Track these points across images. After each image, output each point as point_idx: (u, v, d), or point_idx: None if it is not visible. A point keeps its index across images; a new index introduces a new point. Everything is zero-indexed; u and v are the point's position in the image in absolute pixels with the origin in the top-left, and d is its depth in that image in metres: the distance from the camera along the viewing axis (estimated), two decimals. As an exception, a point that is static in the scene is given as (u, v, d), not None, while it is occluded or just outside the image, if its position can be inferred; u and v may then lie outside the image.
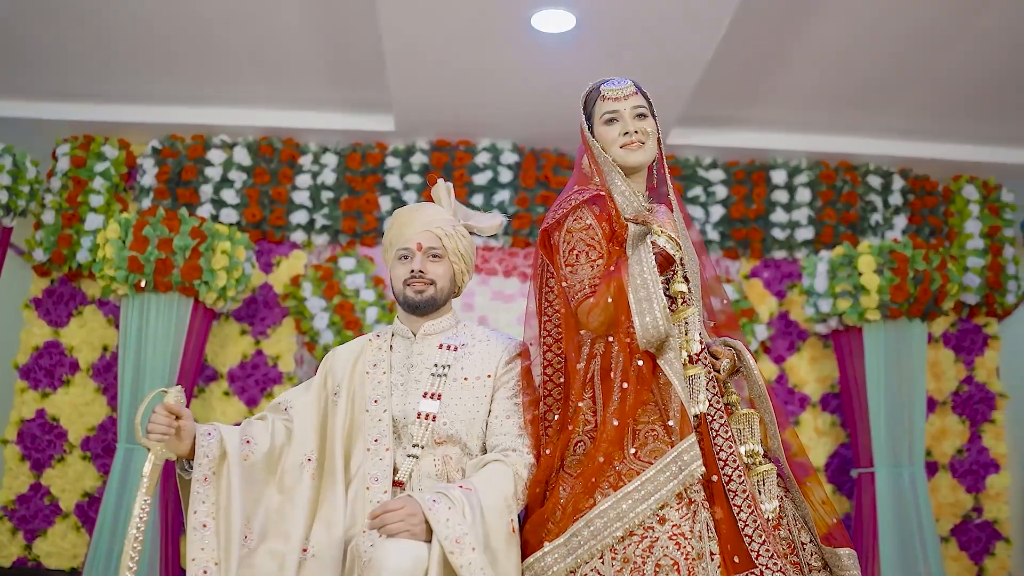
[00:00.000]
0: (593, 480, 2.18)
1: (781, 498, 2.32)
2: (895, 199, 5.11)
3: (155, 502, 4.10)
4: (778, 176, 5.11)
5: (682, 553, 2.09)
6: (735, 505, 2.22)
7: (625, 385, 2.23)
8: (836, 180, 5.10)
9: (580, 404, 2.32)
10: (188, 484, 2.32)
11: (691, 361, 2.32)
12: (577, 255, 2.34)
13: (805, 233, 5.04)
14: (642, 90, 2.56)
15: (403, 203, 4.92)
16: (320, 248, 4.95)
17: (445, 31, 3.98)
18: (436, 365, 2.46)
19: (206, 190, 4.80)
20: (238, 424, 2.45)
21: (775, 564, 2.15)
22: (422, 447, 2.37)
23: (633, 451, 2.21)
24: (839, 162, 5.14)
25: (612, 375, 2.29)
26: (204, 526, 2.18)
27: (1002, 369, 5.09)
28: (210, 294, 4.30)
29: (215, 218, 4.76)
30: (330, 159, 4.94)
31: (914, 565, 4.30)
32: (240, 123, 4.87)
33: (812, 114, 4.93)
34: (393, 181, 4.94)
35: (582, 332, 2.38)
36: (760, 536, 2.18)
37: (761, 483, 2.30)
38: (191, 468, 2.31)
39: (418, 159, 4.97)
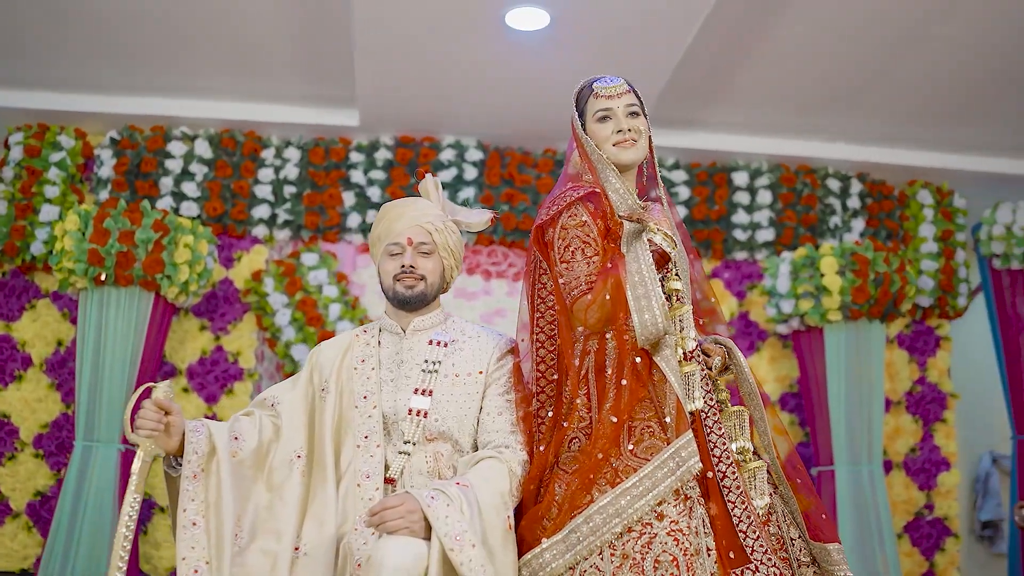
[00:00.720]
0: (591, 476, 2.18)
1: (770, 494, 2.35)
2: (853, 202, 5.20)
3: (113, 500, 4.02)
4: (740, 178, 5.17)
5: (680, 549, 2.10)
6: (729, 501, 2.24)
7: (624, 382, 2.23)
8: (796, 183, 5.17)
9: (576, 401, 2.32)
10: (175, 481, 2.27)
11: (686, 358, 2.33)
12: (573, 252, 2.34)
13: (766, 234, 5.10)
14: (634, 89, 2.58)
15: (367, 199, 4.88)
16: (282, 243, 4.88)
17: (419, 26, 3.95)
18: (426, 361, 2.44)
19: (166, 183, 4.70)
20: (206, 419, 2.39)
21: (769, 559, 2.18)
22: (413, 444, 2.35)
23: (630, 448, 2.21)
24: (799, 165, 5.22)
25: (607, 372, 2.30)
26: (194, 524, 2.14)
27: (952, 370, 5.23)
28: (172, 288, 4.21)
29: (175, 211, 4.66)
30: (293, 153, 4.87)
31: (872, 561, 4.39)
32: (201, 115, 4.77)
33: (773, 117, 5.00)
34: (357, 177, 4.89)
35: (576, 329, 2.38)
36: (754, 532, 2.21)
37: (751, 479, 2.33)
38: (178, 465, 2.26)
39: (382, 155, 4.92)
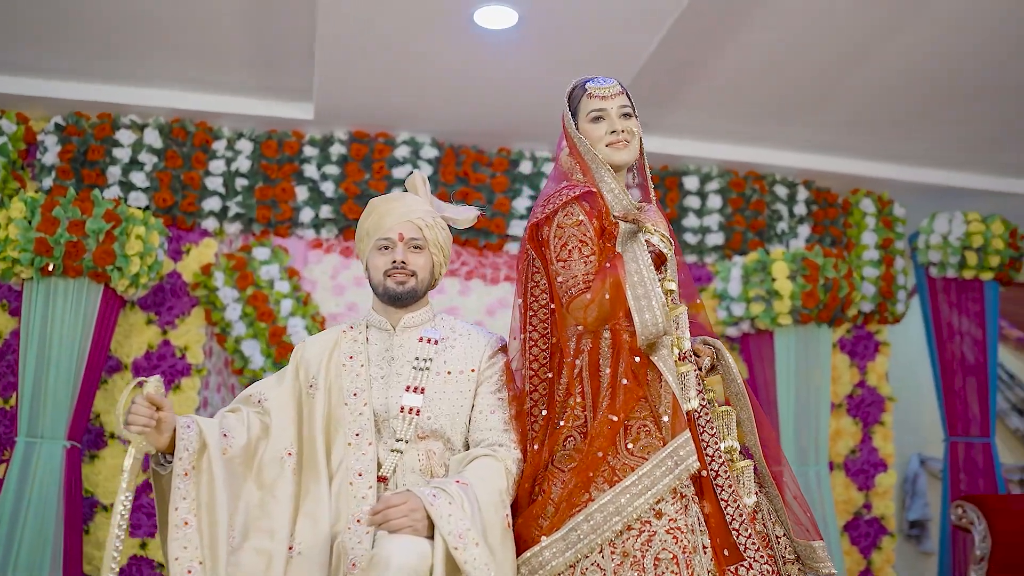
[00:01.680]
0: (590, 475, 2.19)
1: (756, 493, 2.38)
2: (800, 209, 5.33)
3: (59, 496, 3.89)
4: (690, 182, 5.25)
5: (679, 547, 2.13)
6: (722, 500, 2.27)
7: (625, 381, 2.24)
8: (745, 188, 5.27)
9: (570, 400, 2.32)
10: (163, 479, 2.20)
11: (681, 359, 2.36)
12: (570, 251, 2.34)
13: (715, 239, 5.19)
14: (626, 90, 2.59)
15: (320, 194, 4.81)
16: (232, 237, 4.77)
17: (386, 21, 3.91)
18: (418, 358, 2.42)
19: (114, 172, 4.55)
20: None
21: (760, 556, 2.22)
22: (406, 441, 2.33)
23: (629, 446, 2.23)
24: (748, 171, 5.32)
25: (604, 371, 2.31)
26: (186, 524, 2.07)
27: (890, 374, 5.39)
28: (122, 281, 4.08)
29: (123, 201, 4.52)
30: (245, 145, 4.77)
31: (818, 560, 4.49)
32: (151, 103, 4.64)
33: (725, 124, 5.08)
34: (310, 171, 4.81)
35: (570, 328, 2.39)
36: (746, 530, 2.24)
37: (739, 478, 2.36)
38: (166, 462, 2.19)
39: (336, 149, 4.85)
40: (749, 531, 2.24)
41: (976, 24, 4.11)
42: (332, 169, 4.82)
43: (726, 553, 2.19)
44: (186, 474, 2.12)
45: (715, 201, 5.21)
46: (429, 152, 4.93)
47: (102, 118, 4.62)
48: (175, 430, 2.16)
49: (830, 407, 4.96)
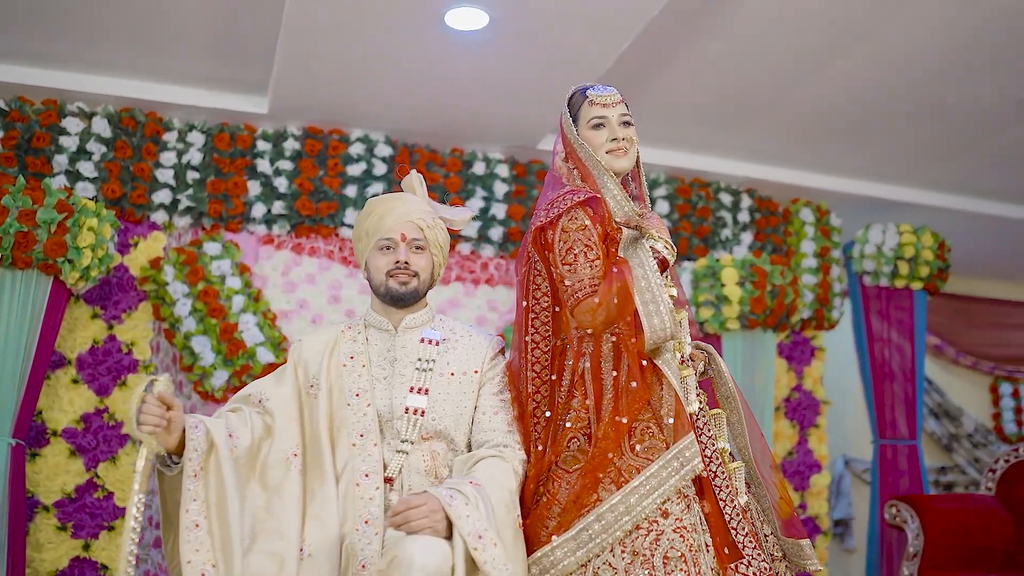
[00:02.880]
0: (599, 475, 2.23)
1: (746, 493, 2.46)
2: (743, 216, 5.47)
3: (3, 495, 3.76)
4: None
5: (687, 545, 2.18)
6: (720, 499, 2.34)
7: (634, 384, 2.29)
8: (691, 195, 5.39)
9: (572, 401, 2.36)
10: (170, 480, 2.16)
11: (682, 362, 2.42)
12: (576, 255, 2.37)
13: (662, 244, 5.28)
14: (624, 99, 2.64)
15: (273, 189, 4.74)
16: (181, 231, 4.66)
17: (356, 18, 3.87)
18: (420, 359, 2.42)
19: (60, 160, 4.39)
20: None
21: (758, 554, 2.30)
22: (411, 442, 2.33)
23: (637, 448, 2.27)
24: (693, 178, 5.43)
25: (612, 374, 2.35)
26: (196, 526, 2.04)
27: (824, 378, 5.58)
28: (73, 274, 3.95)
29: (72, 192, 4.37)
30: (196, 137, 4.66)
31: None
32: (99, 91, 4.49)
33: (674, 131, 5.18)
34: (263, 166, 4.74)
35: (572, 330, 2.42)
36: (743, 528, 2.32)
37: (732, 479, 2.43)
38: (172, 463, 2.15)
39: (290, 145, 4.79)
40: (746, 529, 2.32)
41: (914, 50, 4.32)
42: (285, 164, 4.76)
43: (726, 551, 2.26)
44: (195, 475, 2.09)
45: (662, 207, 5.31)
46: (383, 150, 4.91)
47: (47, 104, 4.46)
48: (184, 430, 2.12)
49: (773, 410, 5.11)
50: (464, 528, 2.02)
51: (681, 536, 2.19)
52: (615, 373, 2.33)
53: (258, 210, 4.69)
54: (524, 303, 2.47)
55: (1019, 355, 7.14)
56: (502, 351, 2.54)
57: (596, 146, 2.53)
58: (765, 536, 2.46)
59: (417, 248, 2.47)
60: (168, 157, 4.60)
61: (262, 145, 4.76)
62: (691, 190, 5.40)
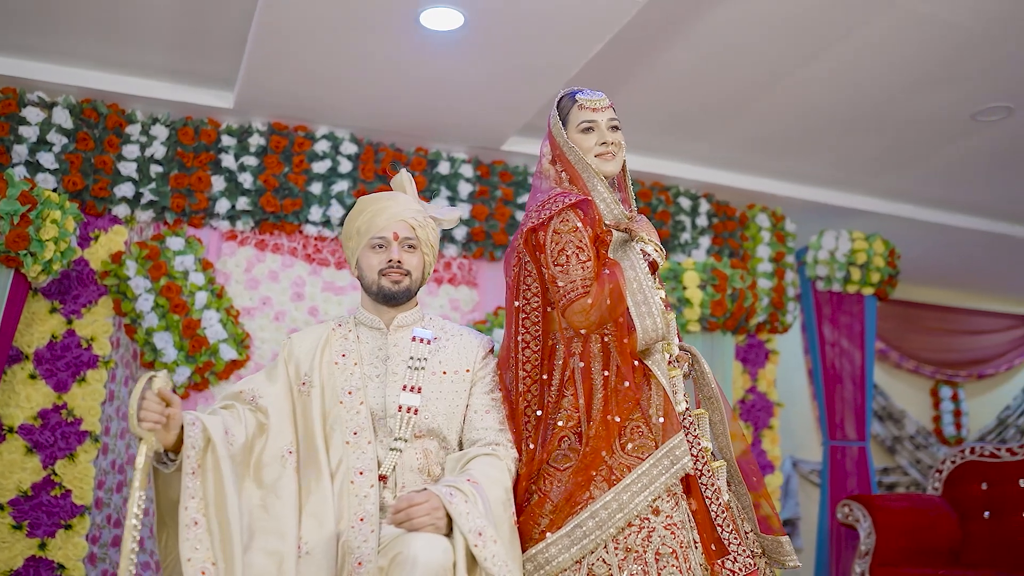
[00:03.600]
0: (592, 474, 2.27)
1: (728, 491, 2.52)
2: (701, 221, 5.56)
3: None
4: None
5: (677, 542, 2.23)
6: (707, 497, 2.39)
7: (627, 384, 2.33)
8: (652, 199, 5.46)
9: (563, 400, 2.39)
10: (165, 478, 2.14)
11: (669, 363, 2.47)
12: (568, 256, 2.41)
13: (623, 246, 5.35)
14: (612, 104, 2.68)
15: (237, 185, 4.69)
16: (143, 225, 4.59)
17: (330, 16, 3.86)
18: (412, 358, 2.43)
19: (20, 151, 4.30)
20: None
21: (743, 550, 2.36)
22: (406, 440, 2.34)
23: (629, 446, 2.32)
24: (654, 182, 5.51)
25: (592, 373, 2.39)
26: (195, 523, 2.02)
27: (777, 380, 5.71)
28: (35, 266, 3.88)
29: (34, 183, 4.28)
30: (160, 131, 4.60)
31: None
32: (61, 80, 4.40)
33: (637, 136, 5.23)
34: (228, 161, 4.69)
35: (563, 330, 2.45)
36: (728, 525, 2.38)
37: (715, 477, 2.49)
38: (168, 460, 2.13)
39: (256, 140, 4.75)
40: (732, 526, 2.38)
41: (871, 64, 4.44)
42: (250, 160, 4.71)
43: (713, 547, 2.32)
44: (193, 472, 2.07)
45: (624, 210, 5.37)
46: (349, 148, 4.89)
47: (6, 93, 4.36)
48: (183, 427, 2.10)
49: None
50: (465, 525, 2.04)
51: (672, 533, 2.24)
52: (606, 373, 2.37)
53: (222, 206, 4.64)
54: (516, 303, 2.50)
55: (959, 360, 7.37)
56: (492, 350, 2.56)
57: (585, 150, 2.57)
58: (746, 533, 2.52)
59: (409, 247, 2.49)
60: (131, 150, 4.52)
61: (227, 140, 4.71)
62: (651, 193, 5.47)
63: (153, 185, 4.54)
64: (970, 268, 7.12)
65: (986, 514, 4.60)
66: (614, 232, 2.51)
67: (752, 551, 2.50)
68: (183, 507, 2.03)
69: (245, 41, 4.21)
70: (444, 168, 5.10)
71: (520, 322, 2.50)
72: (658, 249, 2.47)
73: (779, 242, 5.71)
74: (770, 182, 5.65)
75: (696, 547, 2.28)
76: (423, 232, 2.51)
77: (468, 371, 2.47)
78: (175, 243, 4.51)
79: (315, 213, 4.77)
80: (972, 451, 4.76)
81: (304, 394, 2.37)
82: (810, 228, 5.82)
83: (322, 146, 4.84)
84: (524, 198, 5.27)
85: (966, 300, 7.62)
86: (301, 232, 4.83)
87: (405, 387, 2.38)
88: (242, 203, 4.66)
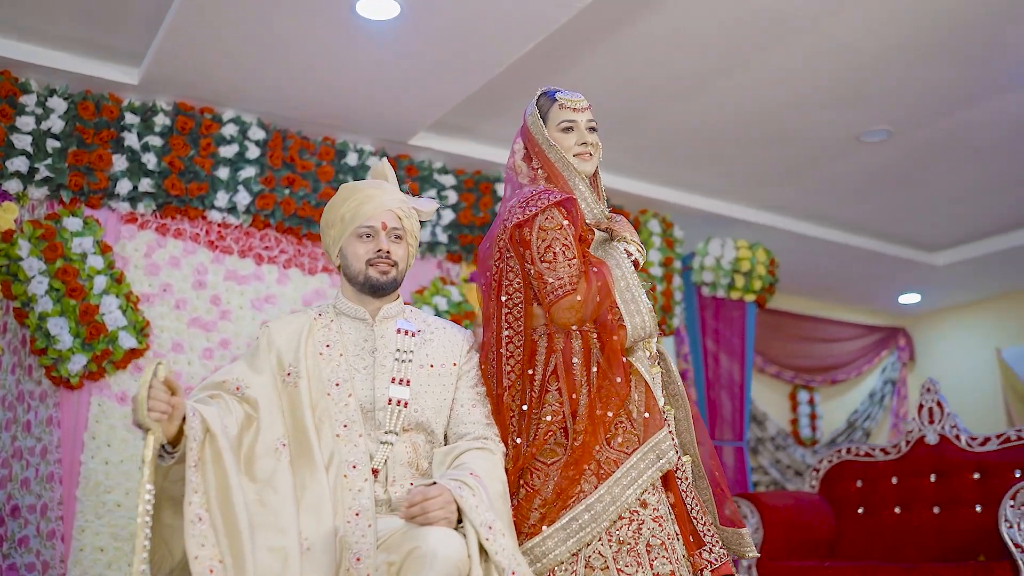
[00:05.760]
0: (583, 467, 2.31)
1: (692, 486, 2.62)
2: (601, 224, 5.69)
3: None
4: (503, 189, 5.44)
5: (665, 533, 2.31)
6: (682, 491, 2.48)
7: (619, 379, 2.38)
8: (551, 200, 5.54)
9: (547, 395, 2.42)
10: (163, 471, 2.05)
11: (650, 360, 2.54)
12: (555, 253, 2.44)
13: (525, 246, 5.41)
14: (591, 105, 2.73)
15: (141, 165, 4.47)
16: (36, 202, 4.30)
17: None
18: (399, 350, 2.41)
19: (-98, 117, 3.97)
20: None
21: (716, 541, 2.47)
22: (396, 434, 2.31)
23: (618, 440, 2.37)
24: (554, 184, 5.59)
25: (573, 368, 2.43)
26: (199, 519, 1.94)
27: (662, 381, 5.91)
28: (-74, 242, 3.59)
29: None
30: (58, 103, 4.33)
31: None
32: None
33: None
34: (131, 140, 4.46)
35: (540, 326, 2.48)
36: (702, 518, 2.47)
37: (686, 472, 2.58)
38: (165, 453, 2.04)
39: (161, 120, 4.54)
40: (706, 519, 2.47)
41: (764, 84, 4.70)
42: (155, 140, 4.50)
43: (691, 539, 2.41)
44: (195, 466, 1.98)
45: (525, 210, 5.43)
46: (257, 133, 4.75)
47: None
48: (184, 418, 2.01)
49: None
50: (476, 519, 2.04)
51: (660, 525, 2.31)
52: (594, 368, 2.41)
53: (123, 186, 4.41)
54: (503, 297, 2.51)
55: (815, 366, 7.83)
56: (474, 346, 2.56)
57: (564, 149, 2.61)
58: (707, 525, 2.62)
59: (396, 237, 2.46)
60: (26, 122, 4.24)
61: (130, 118, 4.48)
62: (552, 195, 5.55)
63: (49, 161, 4.27)
64: (832, 280, 7.59)
65: (860, 510, 4.91)
66: (597, 231, 2.56)
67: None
68: (187, 502, 1.94)
69: (159, 15, 4.04)
70: (352, 159, 5.02)
71: (503, 317, 2.51)
72: (640, 249, 2.54)
73: (668, 247, 5.91)
74: (662, 189, 5.84)
75: (678, 538, 2.36)
76: (409, 223, 2.49)
77: (455, 364, 2.46)
78: (72, 223, 4.26)
79: (221, 199, 4.61)
80: (848, 451, 5.07)
81: (291, 385, 2.30)
82: (697, 235, 6.06)
83: (230, 130, 4.68)
84: (430, 192, 5.25)
85: (824, 310, 8.10)
86: (205, 218, 4.66)
87: (394, 380, 2.35)
88: (145, 184, 4.45)
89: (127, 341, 4.24)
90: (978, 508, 4.32)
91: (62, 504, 4.05)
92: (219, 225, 4.70)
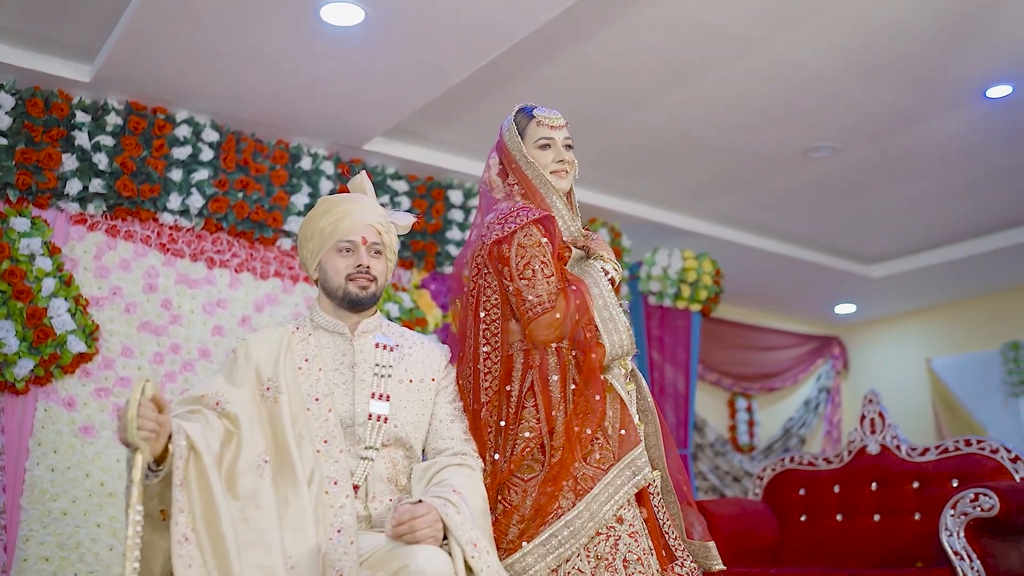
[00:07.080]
0: (564, 483, 2.34)
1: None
2: (551, 233, 5.72)
3: None
4: (455, 196, 5.46)
5: (640, 549, 2.35)
6: (655, 506, 2.52)
7: (598, 397, 2.41)
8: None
9: (527, 412, 2.44)
10: (148, 489, 2.02)
11: (625, 377, 2.57)
12: (534, 271, 2.46)
13: (477, 253, 5.42)
14: (567, 123, 2.76)
15: (92, 165, 4.37)
16: (-20, 202, 4.20)
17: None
18: (379, 365, 2.40)
19: None
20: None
21: (687, 555, 2.51)
22: (376, 449, 2.31)
23: (595, 457, 2.40)
24: (505, 192, 5.62)
25: (550, 385, 2.45)
26: (186, 539, 1.92)
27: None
28: None
29: None
30: (5, 99, 4.21)
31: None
32: None
33: (488, 143, 5.34)
34: (81, 139, 4.36)
35: (516, 342, 2.50)
36: (673, 532, 2.52)
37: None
38: (149, 471, 2.01)
39: (113, 119, 4.45)
40: (675, 533, 2.52)
41: (715, 98, 4.81)
42: (106, 140, 4.41)
43: (664, 553, 2.45)
44: (181, 484, 1.95)
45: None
46: (210, 135, 4.68)
47: None
48: (171, 436, 1.98)
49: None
50: (461, 536, 2.05)
51: (635, 540, 2.35)
52: (571, 385, 2.43)
53: (73, 186, 4.31)
54: (482, 313, 2.52)
55: (753, 374, 7.99)
56: (451, 360, 2.57)
57: (542, 166, 2.63)
58: (677, 539, 2.66)
59: (376, 252, 2.46)
60: (-29, 119, 4.12)
61: (81, 116, 4.39)
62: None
63: (-4, 159, 4.16)
64: (772, 290, 7.76)
65: (803, 517, 5.03)
66: (574, 248, 2.59)
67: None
68: (174, 521, 1.91)
69: (114, 11, 3.97)
70: (306, 164, 4.98)
71: (481, 332, 2.53)
72: (617, 268, 2.58)
73: (616, 257, 5.97)
74: (611, 199, 5.91)
75: (652, 553, 2.40)
76: (388, 238, 2.49)
77: (433, 380, 2.47)
78: (20, 224, 4.16)
79: (174, 201, 4.54)
80: (792, 460, 5.19)
81: (270, 400, 2.28)
82: (645, 245, 6.14)
83: (183, 131, 4.61)
84: (383, 198, 5.23)
85: (762, 319, 8.28)
86: (156, 220, 4.58)
87: (374, 395, 2.34)
88: (95, 185, 4.36)
89: (76, 345, 4.15)
90: (917, 516, 4.45)
91: (5, 512, 3.95)
92: (171, 228, 4.63)
